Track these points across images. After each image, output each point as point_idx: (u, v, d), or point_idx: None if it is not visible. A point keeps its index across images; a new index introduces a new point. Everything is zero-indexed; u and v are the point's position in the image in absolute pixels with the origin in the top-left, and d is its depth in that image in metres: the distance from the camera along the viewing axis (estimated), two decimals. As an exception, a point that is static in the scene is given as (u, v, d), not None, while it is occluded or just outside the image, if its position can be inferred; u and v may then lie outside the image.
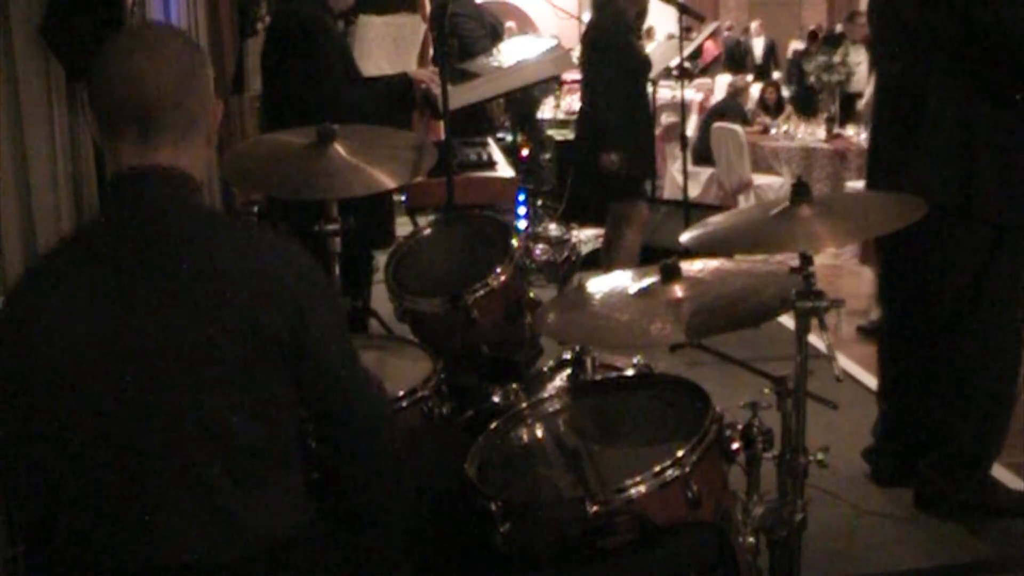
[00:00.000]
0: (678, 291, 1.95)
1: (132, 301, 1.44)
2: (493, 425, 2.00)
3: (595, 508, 1.66)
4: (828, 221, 1.91)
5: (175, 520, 1.45)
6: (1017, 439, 3.08)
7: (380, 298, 2.86)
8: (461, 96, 3.69)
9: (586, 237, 5.91)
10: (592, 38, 4.97)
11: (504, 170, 4.59)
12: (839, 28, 10.68)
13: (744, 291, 1.98)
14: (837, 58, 7.99)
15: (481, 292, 2.46)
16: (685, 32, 5.88)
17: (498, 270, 2.49)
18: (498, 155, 4.84)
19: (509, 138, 6.61)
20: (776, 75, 11.97)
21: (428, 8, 5.51)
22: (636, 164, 4.88)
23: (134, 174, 1.49)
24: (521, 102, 6.62)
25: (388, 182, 2.39)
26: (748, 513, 1.91)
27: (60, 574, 1.53)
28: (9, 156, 2.70)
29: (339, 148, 2.37)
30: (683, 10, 5.50)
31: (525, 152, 6.45)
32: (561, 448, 1.94)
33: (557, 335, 2.22)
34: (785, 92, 9.92)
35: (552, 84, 7.88)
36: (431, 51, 5.13)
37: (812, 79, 8.29)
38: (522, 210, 5.63)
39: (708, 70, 11.99)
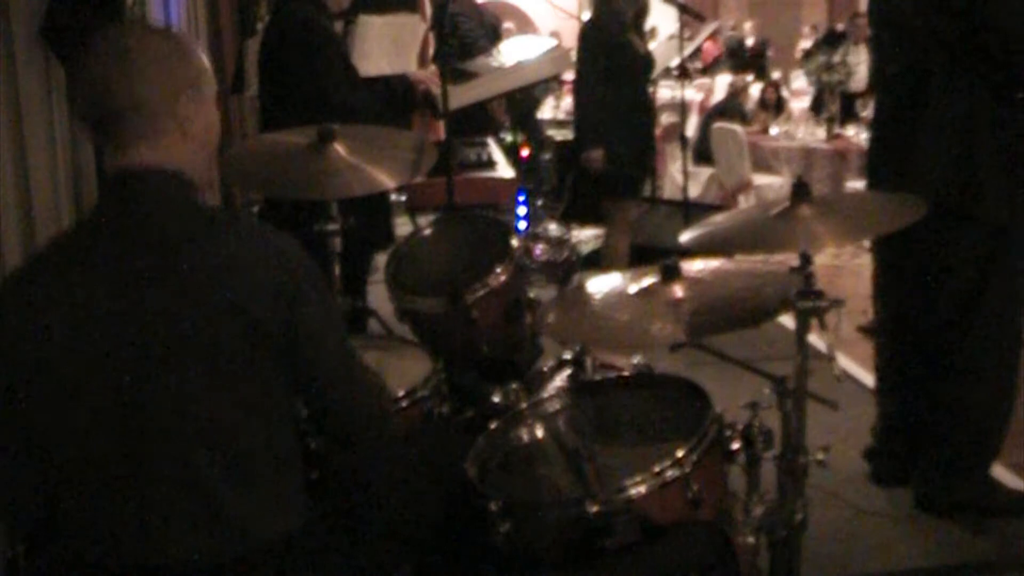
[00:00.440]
0: (678, 291, 1.94)
1: (126, 298, 1.44)
2: (493, 425, 2.01)
3: (595, 508, 1.66)
4: (828, 221, 1.91)
5: (173, 520, 1.46)
6: (1017, 439, 3.08)
7: (380, 298, 2.86)
8: (461, 96, 3.69)
9: (586, 237, 5.92)
10: (586, 36, 4.98)
11: (504, 170, 4.59)
12: (840, 27, 10.68)
13: (744, 291, 1.97)
14: (837, 58, 7.98)
15: (481, 292, 2.46)
16: (683, 31, 5.87)
17: (498, 270, 2.49)
18: (498, 155, 4.85)
19: (509, 138, 6.61)
20: (776, 75, 11.95)
21: (428, 8, 5.51)
22: (632, 163, 4.87)
23: (123, 174, 1.51)
24: (521, 102, 6.62)
25: (388, 182, 2.39)
26: (748, 513, 1.91)
27: (60, 574, 1.53)
28: (9, 155, 2.70)
29: (339, 148, 2.36)
30: (683, 10, 5.50)
31: (525, 152, 6.45)
32: (561, 448, 1.93)
33: (557, 335, 2.22)
34: (786, 93, 9.90)
35: (552, 84, 7.89)
36: (431, 51, 5.13)
37: (812, 79, 8.30)
38: (522, 210, 5.63)
39: (708, 70, 11.99)
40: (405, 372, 2.22)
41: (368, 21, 3.83)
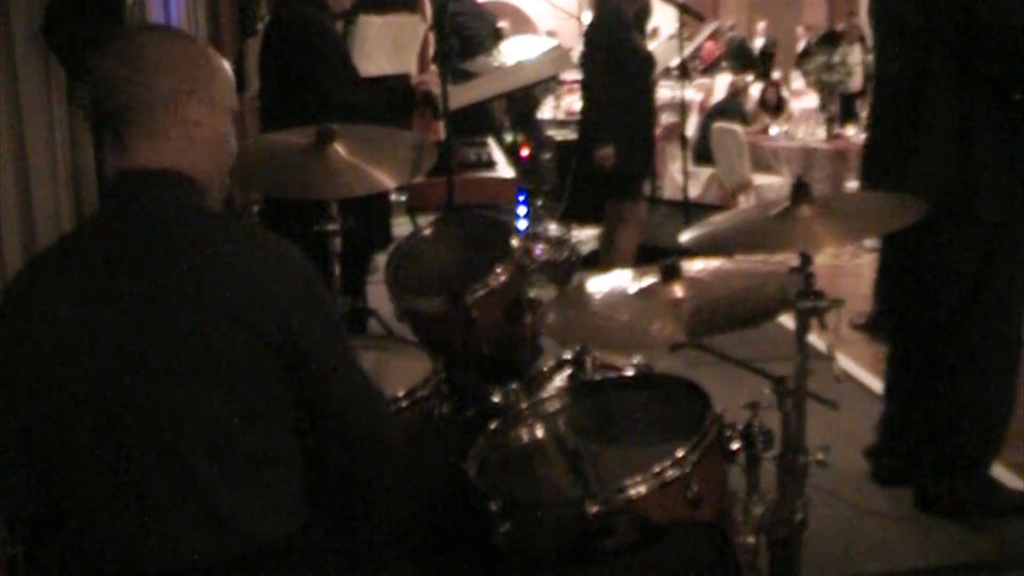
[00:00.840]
0: (678, 291, 1.94)
1: (126, 301, 1.44)
2: (493, 425, 2.00)
3: (595, 508, 1.66)
4: (828, 221, 1.91)
5: (172, 523, 1.45)
6: (1017, 439, 3.08)
7: (380, 298, 2.86)
8: (461, 96, 3.69)
9: (586, 237, 5.92)
10: (589, 37, 5.05)
11: (504, 170, 4.58)
12: (840, 27, 10.68)
13: (744, 291, 1.97)
14: (836, 58, 7.99)
15: (481, 292, 2.46)
16: (683, 31, 5.87)
17: (498, 270, 2.49)
18: (498, 155, 4.84)
19: (509, 138, 6.61)
20: (776, 75, 11.95)
21: (428, 8, 5.50)
22: (633, 162, 4.89)
23: (125, 176, 1.51)
24: (521, 102, 6.62)
25: (388, 182, 2.39)
26: (748, 513, 1.91)
27: None
28: (9, 155, 2.70)
29: (339, 148, 2.36)
30: (683, 10, 5.50)
31: (525, 152, 6.45)
32: (561, 448, 1.93)
33: (557, 335, 2.22)
34: (786, 93, 9.90)
35: (552, 84, 7.88)
36: (431, 51, 5.13)
37: (811, 79, 8.30)
38: (522, 210, 5.62)
39: (709, 70, 11.98)
40: (405, 372, 2.22)
41: (368, 21, 3.83)
